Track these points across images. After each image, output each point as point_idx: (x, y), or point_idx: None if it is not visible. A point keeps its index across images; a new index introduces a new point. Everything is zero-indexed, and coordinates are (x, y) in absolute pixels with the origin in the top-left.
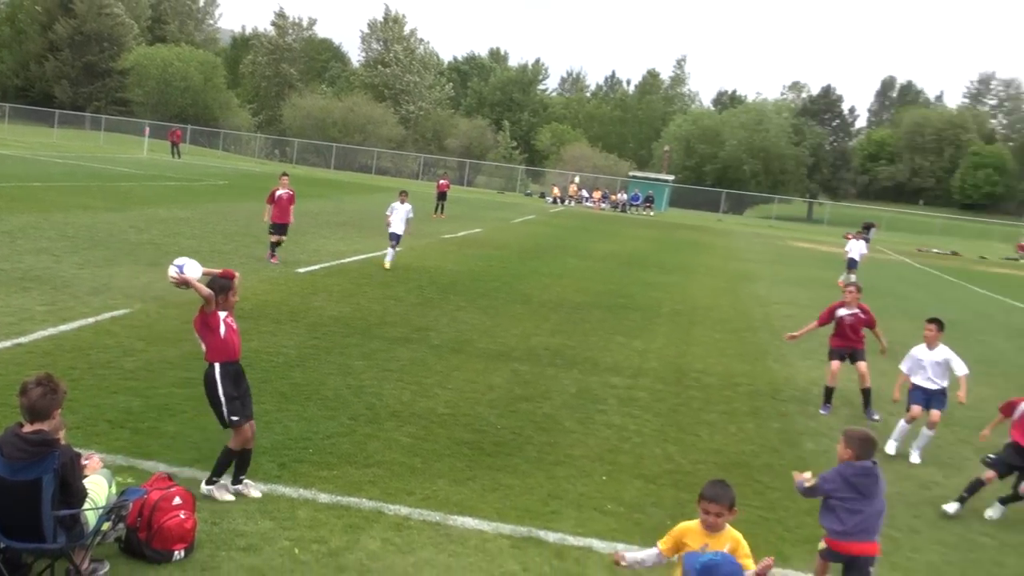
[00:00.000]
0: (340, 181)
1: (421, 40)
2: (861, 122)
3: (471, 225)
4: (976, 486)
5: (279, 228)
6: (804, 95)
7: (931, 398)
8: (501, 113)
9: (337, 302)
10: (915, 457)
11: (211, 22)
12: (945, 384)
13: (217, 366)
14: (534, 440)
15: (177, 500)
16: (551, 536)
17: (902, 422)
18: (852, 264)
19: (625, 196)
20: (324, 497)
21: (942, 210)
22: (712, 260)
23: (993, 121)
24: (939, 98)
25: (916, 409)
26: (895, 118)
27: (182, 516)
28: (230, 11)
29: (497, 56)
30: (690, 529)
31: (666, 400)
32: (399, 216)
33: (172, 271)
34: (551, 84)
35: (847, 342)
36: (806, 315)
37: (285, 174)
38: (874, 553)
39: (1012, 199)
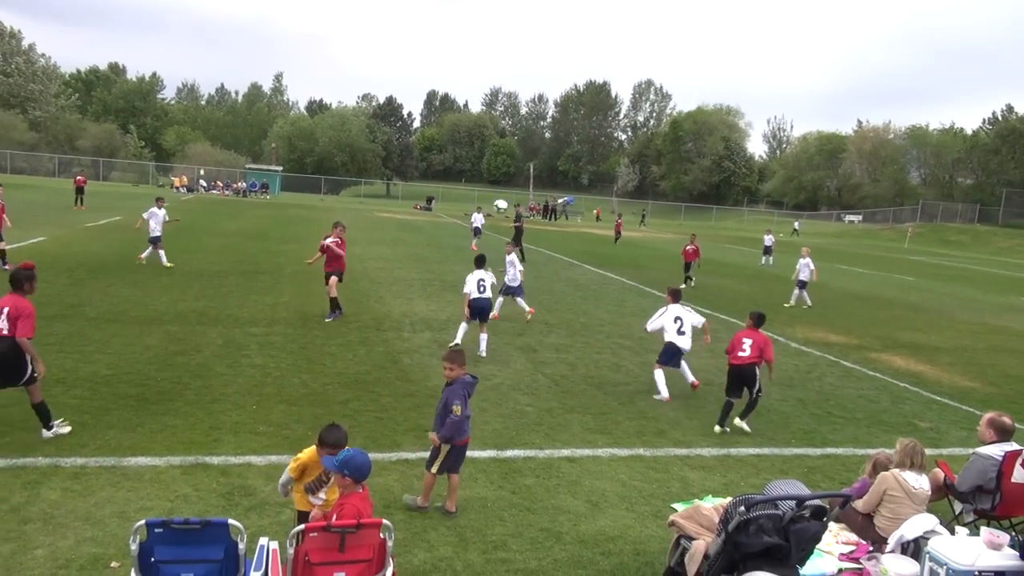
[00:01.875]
0: None
1: (42, 55)
2: (417, 123)
3: (112, 214)
4: (727, 408)
5: None
6: (374, 103)
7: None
8: (127, 118)
9: None
10: None
11: None
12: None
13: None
14: (192, 385)
15: None
16: (215, 459)
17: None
18: (477, 231)
19: (245, 184)
20: None
21: (478, 185)
22: (320, 231)
23: (503, 122)
24: (467, 105)
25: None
26: (440, 120)
27: None
28: None
29: (116, 69)
30: (310, 460)
31: (296, 340)
32: (158, 220)
33: None
34: (169, 94)
35: (331, 267)
36: (393, 267)
37: None
38: (466, 442)
39: (520, 175)
